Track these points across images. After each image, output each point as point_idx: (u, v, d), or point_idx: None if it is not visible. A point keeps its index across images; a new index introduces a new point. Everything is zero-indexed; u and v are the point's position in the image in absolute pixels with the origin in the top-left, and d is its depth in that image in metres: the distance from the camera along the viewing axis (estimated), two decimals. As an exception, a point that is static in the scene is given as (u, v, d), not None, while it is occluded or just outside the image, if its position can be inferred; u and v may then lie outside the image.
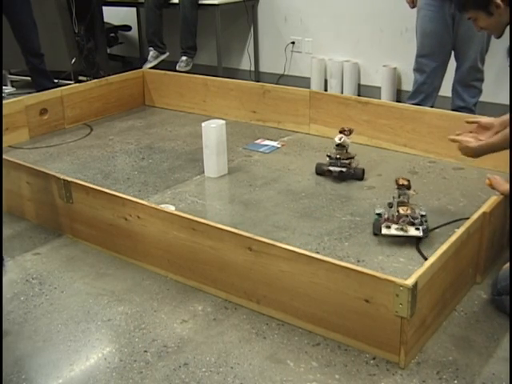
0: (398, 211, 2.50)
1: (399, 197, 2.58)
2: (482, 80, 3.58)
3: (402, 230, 2.45)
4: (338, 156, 3.11)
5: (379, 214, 2.57)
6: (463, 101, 3.58)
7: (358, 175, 3.10)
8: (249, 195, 2.99)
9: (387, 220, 2.49)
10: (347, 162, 3.10)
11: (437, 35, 3.50)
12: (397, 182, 2.63)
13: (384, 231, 2.47)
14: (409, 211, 2.49)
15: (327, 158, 3.14)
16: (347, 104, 3.62)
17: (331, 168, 3.10)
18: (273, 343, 1.95)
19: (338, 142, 3.08)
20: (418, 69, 3.64)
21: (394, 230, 2.46)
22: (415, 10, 3.67)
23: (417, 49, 3.63)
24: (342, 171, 3.09)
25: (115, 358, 1.91)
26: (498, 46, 3.65)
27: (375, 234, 2.54)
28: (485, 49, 3.50)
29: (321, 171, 3.15)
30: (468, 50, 3.48)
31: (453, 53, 3.57)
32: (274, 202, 2.90)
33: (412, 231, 2.45)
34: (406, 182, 2.60)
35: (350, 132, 3.12)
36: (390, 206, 2.56)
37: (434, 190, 2.98)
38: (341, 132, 3.12)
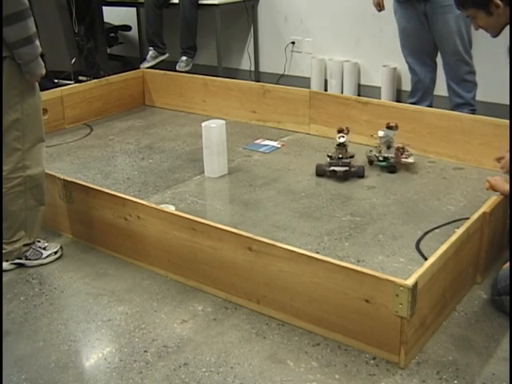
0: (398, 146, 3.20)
1: (391, 137, 3.18)
2: (473, 73, 3.58)
3: (408, 155, 3.18)
4: (340, 155, 3.11)
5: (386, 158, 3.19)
6: (461, 97, 3.58)
7: (361, 173, 3.12)
8: (249, 195, 2.99)
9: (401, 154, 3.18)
10: (348, 161, 3.11)
11: (414, 33, 3.56)
12: (390, 125, 3.17)
13: (410, 160, 3.16)
14: (403, 144, 3.22)
15: (328, 159, 3.13)
16: (347, 104, 3.62)
17: (336, 168, 3.09)
18: (273, 343, 1.95)
19: (340, 141, 3.08)
20: (409, 69, 3.72)
21: (411, 158, 3.19)
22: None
23: (401, 49, 3.69)
24: (346, 170, 3.09)
25: (115, 358, 1.91)
26: (499, 47, 3.64)
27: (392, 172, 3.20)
28: (467, 41, 3.50)
29: (322, 172, 3.14)
30: (448, 45, 3.50)
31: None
32: (274, 202, 2.90)
33: (411, 150, 3.23)
34: (394, 124, 3.17)
35: (348, 131, 3.14)
36: (389, 147, 3.18)
37: (433, 190, 2.98)
38: (340, 132, 3.12)
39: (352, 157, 3.13)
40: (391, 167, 3.17)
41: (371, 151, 3.27)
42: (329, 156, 3.14)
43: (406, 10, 3.54)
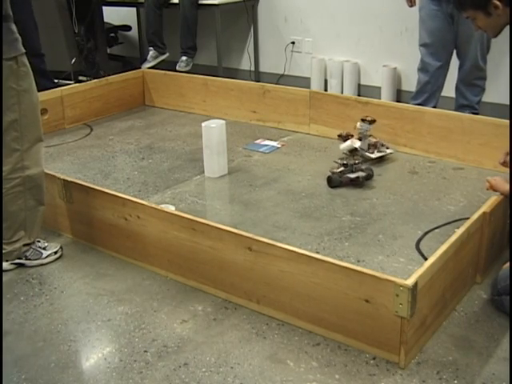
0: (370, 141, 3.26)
1: (367, 131, 3.21)
2: (484, 78, 3.60)
3: (381, 152, 3.26)
4: (356, 161, 3.03)
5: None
6: (466, 99, 3.60)
7: (373, 174, 3.07)
8: (249, 195, 2.99)
9: (369, 149, 3.24)
10: (361, 165, 3.04)
11: (439, 33, 3.53)
12: (365, 118, 3.19)
13: (373, 156, 3.22)
14: (377, 139, 3.28)
15: (342, 167, 3.01)
16: (347, 104, 3.62)
17: (359, 174, 2.99)
18: (273, 343, 1.95)
19: (356, 146, 3.02)
20: (422, 68, 3.66)
21: (377, 153, 3.25)
22: (415, 9, 3.69)
23: (420, 48, 3.64)
24: (369, 174, 3.02)
25: (115, 358, 1.91)
26: (500, 47, 3.65)
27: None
28: (485, 47, 3.51)
29: (337, 183, 2.99)
30: (468, 49, 3.51)
31: (455, 52, 3.59)
32: (274, 202, 2.90)
33: (388, 150, 3.32)
34: (370, 118, 3.19)
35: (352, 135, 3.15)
36: (360, 139, 3.17)
37: (434, 190, 2.98)
38: (347, 138, 3.07)
39: (363, 159, 3.12)
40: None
41: None
42: (343, 164, 3.02)
43: (433, 8, 3.50)
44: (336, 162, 3.07)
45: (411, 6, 3.73)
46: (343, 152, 3.06)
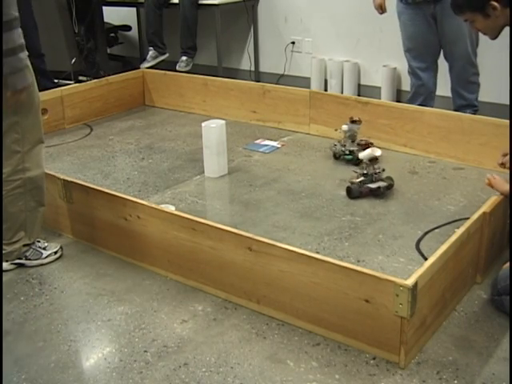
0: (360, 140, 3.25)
1: (356, 131, 3.26)
2: (477, 74, 3.56)
3: (372, 151, 3.06)
4: (377, 170, 2.91)
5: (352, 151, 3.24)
6: (464, 99, 3.57)
7: (392, 184, 2.96)
8: (249, 195, 2.99)
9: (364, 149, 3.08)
10: (381, 174, 2.94)
11: (421, 36, 3.51)
12: (355, 119, 3.25)
13: (377, 154, 3.03)
14: (365, 138, 3.27)
15: (361, 177, 2.89)
16: (347, 104, 3.62)
17: (380, 184, 2.87)
18: (273, 343, 1.95)
19: (376, 155, 2.91)
20: (411, 72, 3.66)
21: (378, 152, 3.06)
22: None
23: (405, 53, 3.65)
24: (390, 184, 2.91)
25: (115, 358, 1.91)
26: (499, 46, 3.64)
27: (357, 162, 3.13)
28: (475, 42, 3.48)
29: (357, 193, 2.87)
30: (458, 48, 3.46)
31: (442, 54, 3.57)
32: (274, 202, 2.90)
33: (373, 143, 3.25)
34: (357, 119, 3.25)
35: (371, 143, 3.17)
36: (353, 140, 3.25)
37: (434, 190, 2.98)
38: (367, 146, 3.03)
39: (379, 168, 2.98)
40: (357, 160, 3.11)
41: (335, 145, 3.33)
42: (363, 174, 2.89)
43: (412, 12, 3.48)
44: (355, 172, 2.96)
45: (382, 13, 3.70)
46: (363, 161, 2.93)
